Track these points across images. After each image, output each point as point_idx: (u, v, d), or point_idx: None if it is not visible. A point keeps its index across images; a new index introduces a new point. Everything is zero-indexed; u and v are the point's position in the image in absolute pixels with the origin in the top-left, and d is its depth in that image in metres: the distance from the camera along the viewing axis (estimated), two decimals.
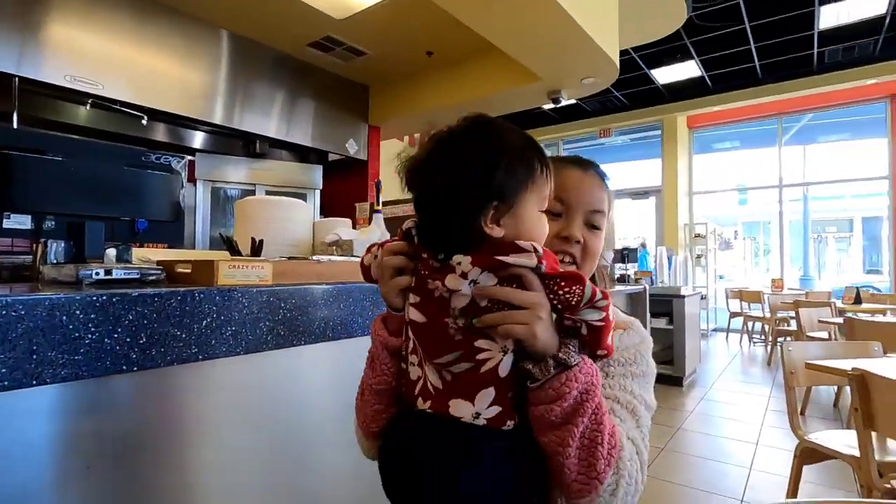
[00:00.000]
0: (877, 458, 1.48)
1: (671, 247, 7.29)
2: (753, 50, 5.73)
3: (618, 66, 3.28)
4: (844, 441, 1.73)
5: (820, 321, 3.85)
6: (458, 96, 3.79)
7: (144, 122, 3.12)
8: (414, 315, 0.58)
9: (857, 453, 1.52)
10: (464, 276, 0.54)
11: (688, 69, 6.25)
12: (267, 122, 3.59)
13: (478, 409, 0.53)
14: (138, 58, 2.89)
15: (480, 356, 0.53)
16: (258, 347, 0.97)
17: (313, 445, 1.09)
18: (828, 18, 5.00)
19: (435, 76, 3.93)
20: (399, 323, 0.62)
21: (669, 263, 6.48)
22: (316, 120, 3.89)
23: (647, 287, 3.57)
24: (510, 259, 0.53)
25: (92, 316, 0.75)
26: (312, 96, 3.86)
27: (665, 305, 4.21)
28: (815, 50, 5.72)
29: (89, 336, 0.74)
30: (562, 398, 0.52)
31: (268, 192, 3.86)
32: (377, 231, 1.49)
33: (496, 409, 0.53)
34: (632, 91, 7.02)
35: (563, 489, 0.56)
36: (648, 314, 3.52)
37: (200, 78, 3.20)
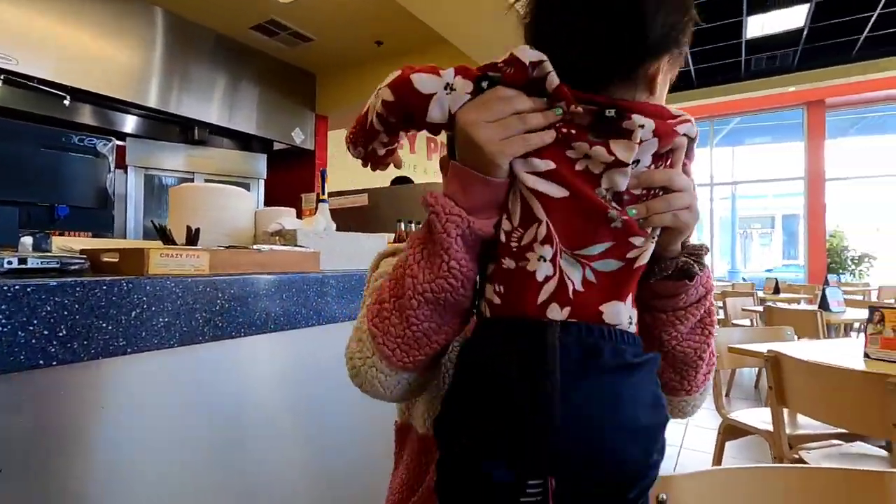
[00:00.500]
0: (787, 431, 1.62)
1: None
2: (689, 55, 6.05)
3: None
4: (761, 418, 1.88)
5: (743, 309, 4.16)
6: None
7: (67, 102, 2.89)
8: (547, 188, 0.41)
9: (771, 428, 1.67)
10: (639, 144, 0.40)
11: None
12: (207, 107, 3.42)
13: (630, 313, 0.42)
14: (60, 32, 2.67)
15: (631, 253, 0.41)
16: (194, 339, 0.93)
17: (255, 441, 1.06)
18: (754, 29, 5.37)
19: (384, 67, 3.86)
20: (491, 197, 0.42)
21: None
22: (260, 107, 3.75)
23: None
24: (686, 129, 0.41)
25: (3, 307, 0.69)
26: (256, 82, 3.71)
27: None
28: (743, 58, 6.13)
29: None
30: (709, 292, 0.47)
31: (207, 181, 3.69)
32: (322, 221, 1.46)
33: (635, 312, 0.44)
34: None
35: (690, 389, 0.51)
36: None
37: (132, 58, 3.00)
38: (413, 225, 2.01)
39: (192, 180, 3.69)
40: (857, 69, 6.10)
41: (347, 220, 2.52)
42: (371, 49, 3.69)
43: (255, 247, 1.12)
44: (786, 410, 1.63)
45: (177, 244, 1.22)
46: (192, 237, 1.17)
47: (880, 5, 4.83)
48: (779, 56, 6.10)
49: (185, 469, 0.93)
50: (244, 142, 4.07)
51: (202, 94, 3.37)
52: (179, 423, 0.93)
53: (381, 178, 3.93)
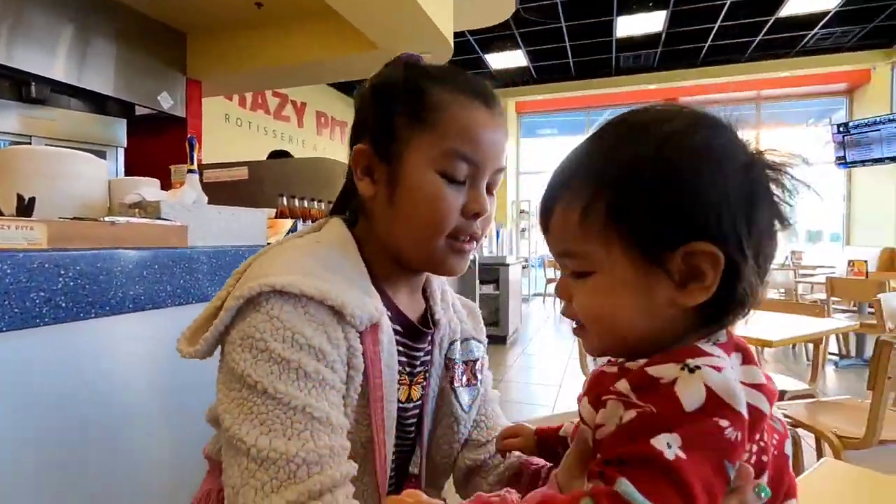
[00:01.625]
0: None
1: (500, 221, 8.02)
2: (568, 48, 6.50)
3: (452, 44, 3.43)
4: None
5: None
6: (291, 56, 3.56)
7: None
8: None
9: None
10: None
11: (516, 58, 6.83)
12: (49, 60, 2.92)
13: None
14: None
15: None
16: (28, 322, 0.82)
17: (107, 433, 0.97)
18: (622, 28, 5.91)
19: (265, 31, 3.62)
20: None
21: (497, 236, 7.13)
22: (119, 65, 3.29)
23: (477, 257, 3.91)
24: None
25: None
26: (113, 37, 3.25)
27: (492, 273, 4.65)
28: (614, 54, 6.73)
29: None
30: None
31: (50, 146, 3.17)
32: (192, 193, 1.35)
33: None
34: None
35: None
36: (478, 281, 3.85)
37: None
38: (296, 200, 1.94)
39: (29, 144, 3.15)
40: (704, 73, 7.03)
41: (225, 194, 2.34)
42: (250, 10, 3.41)
43: (107, 219, 1.00)
44: None
45: (4, 214, 1.05)
46: (25, 207, 1.02)
47: (720, 18, 5.60)
48: (643, 56, 6.80)
49: (22, 471, 0.83)
50: (98, 104, 3.54)
51: (42, 46, 2.86)
52: (11, 415, 0.82)
53: (262, 152, 3.70)
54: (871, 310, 2.94)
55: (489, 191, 0.58)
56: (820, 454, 1.60)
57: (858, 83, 7.11)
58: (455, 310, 0.70)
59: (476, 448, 0.68)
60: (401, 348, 0.59)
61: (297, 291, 0.47)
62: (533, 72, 7.37)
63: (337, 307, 0.48)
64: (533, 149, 9.20)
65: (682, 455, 0.31)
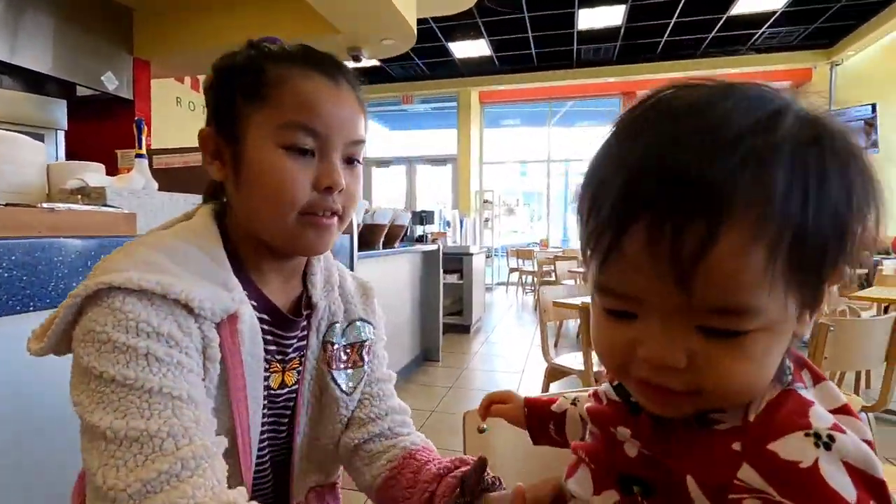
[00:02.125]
0: (595, 369, 1.94)
1: (464, 210, 8.05)
2: (531, 38, 6.54)
3: (415, 31, 3.39)
4: (578, 360, 2.21)
5: (570, 271, 4.78)
6: (246, 37, 3.39)
7: None
8: None
9: (583, 368, 1.97)
10: None
11: (479, 47, 6.82)
12: None
13: None
14: None
15: None
16: None
17: (45, 431, 0.92)
18: (584, 21, 6.00)
19: (218, 10, 3.46)
20: None
21: (462, 225, 7.16)
22: (58, 41, 3.07)
23: (441, 246, 3.90)
24: None
25: None
26: (51, 11, 3.02)
27: (456, 263, 4.67)
28: (575, 47, 6.83)
29: None
30: None
31: None
32: (140, 179, 1.28)
33: None
34: (432, 61, 7.34)
35: None
36: (441, 271, 3.86)
37: None
38: None
39: None
40: (660, 67, 7.24)
41: (177, 180, 2.23)
42: None
43: (45, 205, 0.94)
44: (594, 352, 1.94)
45: None
46: None
47: (675, 14, 5.77)
48: (603, 49, 6.93)
49: None
50: (35, 83, 3.30)
51: None
52: None
53: None
54: None
55: (350, 165, 0.57)
56: None
57: (801, 81, 7.50)
58: (344, 291, 0.69)
59: (359, 427, 0.67)
60: (269, 337, 0.59)
61: (135, 287, 0.46)
62: (496, 61, 7.38)
63: (182, 301, 0.47)
64: (496, 139, 9.24)
65: None
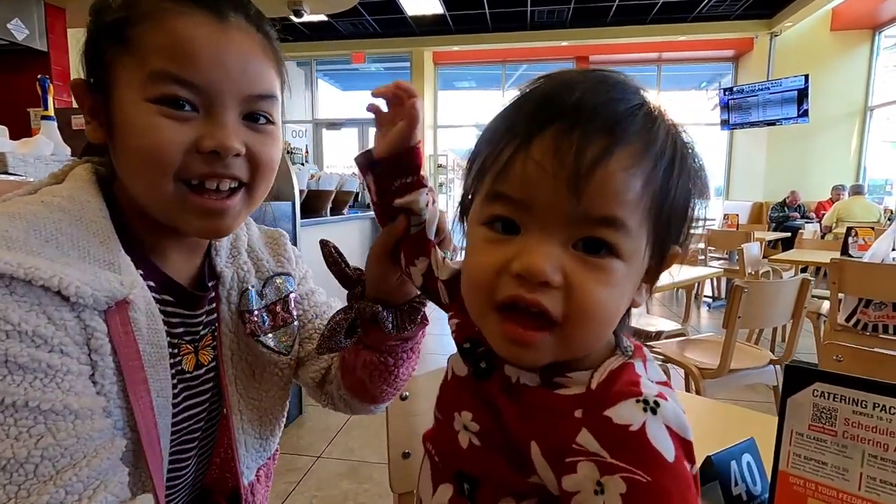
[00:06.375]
0: None
1: None
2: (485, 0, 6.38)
3: None
4: None
5: None
6: None
7: None
8: None
9: None
10: None
11: (432, 5, 6.58)
12: None
13: None
14: None
15: None
16: None
17: None
18: None
19: None
20: None
21: None
22: None
23: None
24: None
25: None
26: None
27: None
28: (529, 8, 6.72)
29: None
30: None
31: None
32: (48, 144, 1.18)
33: None
34: (384, 17, 7.04)
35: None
36: None
37: None
38: None
39: None
40: (610, 32, 7.27)
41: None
42: None
43: None
44: None
45: None
46: None
47: None
48: (556, 11, 6.86)
49: None
50: None
51: None
52: None
53: None
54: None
55: (257, 120, 0.48)
56: (688, 386, 1.84)
57: (743, 51, 7.76)
58: (252, 250, 0.63)
59: (314, 362, 0.66)
60: (174, 319, 0.53)
61: None
62: (450, 21, 7.18)
63: (52, 287, 0.39)
64: (450, 102, 9.09)
65: None
